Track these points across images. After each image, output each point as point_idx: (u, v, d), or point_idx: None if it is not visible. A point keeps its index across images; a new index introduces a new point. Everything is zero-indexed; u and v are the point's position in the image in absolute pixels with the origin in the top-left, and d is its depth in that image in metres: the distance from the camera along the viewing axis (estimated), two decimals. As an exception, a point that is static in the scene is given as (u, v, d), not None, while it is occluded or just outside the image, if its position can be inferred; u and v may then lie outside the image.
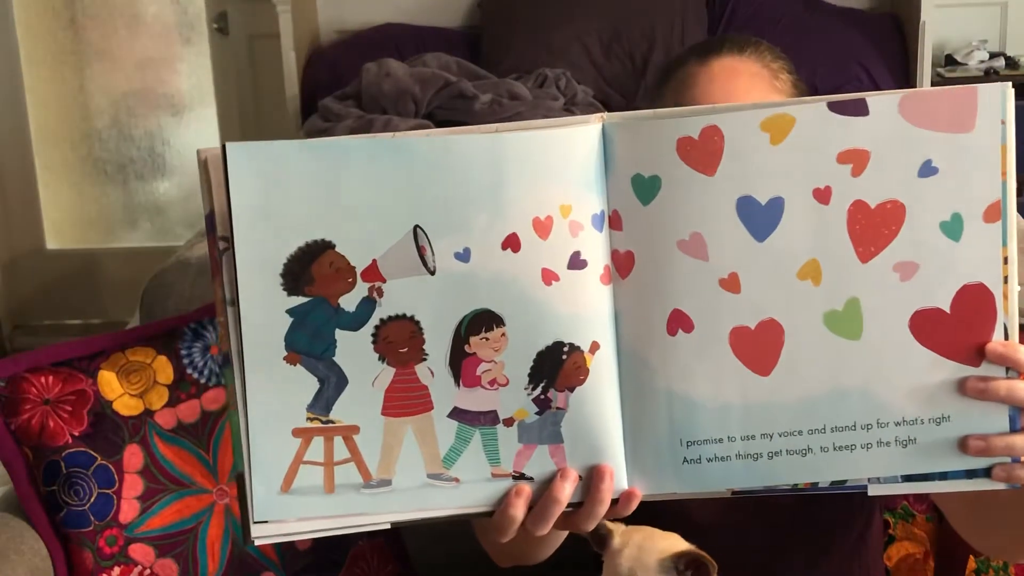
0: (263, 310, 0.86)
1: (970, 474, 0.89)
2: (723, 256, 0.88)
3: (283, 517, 0.88)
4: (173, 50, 4.14)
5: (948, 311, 0.87)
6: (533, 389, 0.89)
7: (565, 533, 1.08)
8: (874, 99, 0.86)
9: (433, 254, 0.87)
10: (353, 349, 0.87)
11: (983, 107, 0.86)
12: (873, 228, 0.87)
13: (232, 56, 3.92)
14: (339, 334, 0.87)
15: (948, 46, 3.45)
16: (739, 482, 0.90)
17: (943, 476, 0.90)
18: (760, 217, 0.88)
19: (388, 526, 0.90)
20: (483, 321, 0.88)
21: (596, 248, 0.89)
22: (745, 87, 1.15)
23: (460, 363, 0.88)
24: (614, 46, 3.34)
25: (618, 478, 0.90)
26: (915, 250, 0.87)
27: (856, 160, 0.87)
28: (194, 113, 4.16)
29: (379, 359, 0.88)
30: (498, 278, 0.87)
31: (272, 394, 0.87)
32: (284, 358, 0.87)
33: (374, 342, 0.88)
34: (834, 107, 0.87)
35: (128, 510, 1.34)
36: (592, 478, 0.90)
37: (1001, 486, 0.89)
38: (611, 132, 0.89)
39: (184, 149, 4.18)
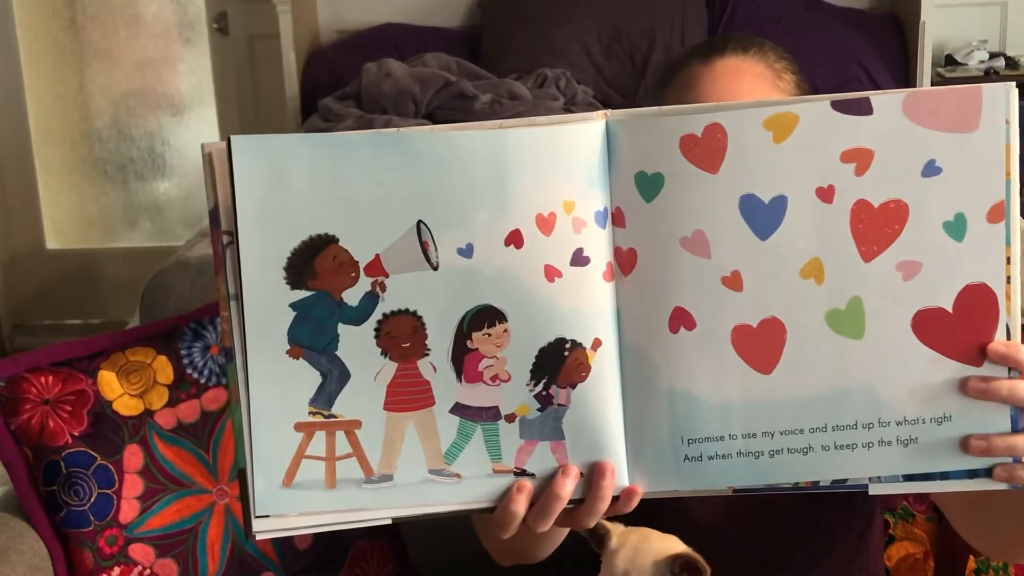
0: (266, 304, 0.86)
1: (971, 474, 0.89)
2: (726, 254, 0.88)
3: (284, 512, 0.88)
4: (173, 50, 4.14)
5: (951, 311, 0.87)
6: (535, 385, 0.89)
7: (565, 531, 1.07)
8: (878, 98, 0.86)
9: (436, 249, 0.87)
10: (355, 343, 0.87)
11: (987, 107, 0.86)
12: (876, 227, 0.87)
13: (232, 56, 3.91)
14: (342, 328, 0.87)
15: (948, 46, 3.45)
16: (740, 480, 0.90)
17: (944, 476, 0.90)
18: (763, 215, 0.87)
19: (389, 521, 0.90)
20: (485, 317, 0.88)
21: (599, 245, 0.89)
22: (749, 87, 1.14)
23: (462, 359, 0.88)
24: (614, 46, 3.34)
25: (619, 475, 0.90)
26: (918, 250, 0.87)
27: (859, 159, 0.87)
28: (194, 113, 4.16)
29: (381, 354, 0.88)
30: (501, 274, 0.87)
31: (274, 388, 0.87)
32: (287, 352, 0.87)
33: (376, 337, 0.88)
34: (838, 106, 0.86)
35: (128, 510, 1.34)
36: (593, 475, 0.90)
37: (1002, 486, 0.89)
38: (615, 129, 0.89)
39: (184, 149, 4.18)
